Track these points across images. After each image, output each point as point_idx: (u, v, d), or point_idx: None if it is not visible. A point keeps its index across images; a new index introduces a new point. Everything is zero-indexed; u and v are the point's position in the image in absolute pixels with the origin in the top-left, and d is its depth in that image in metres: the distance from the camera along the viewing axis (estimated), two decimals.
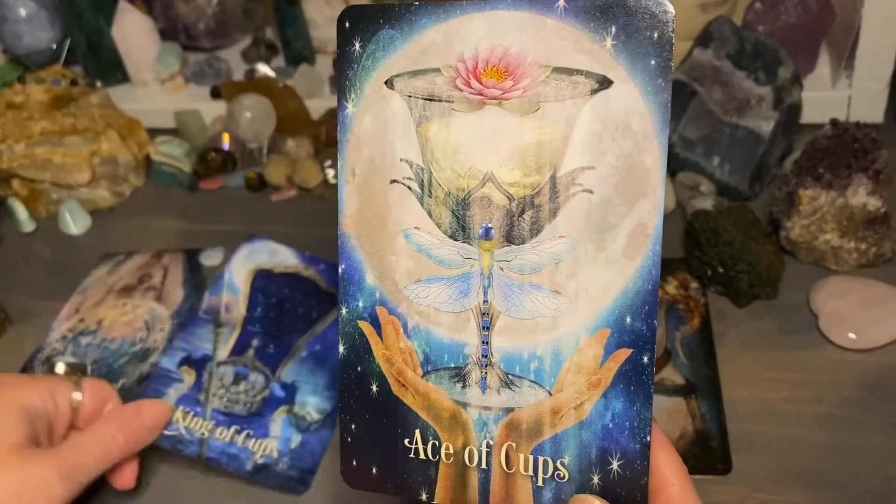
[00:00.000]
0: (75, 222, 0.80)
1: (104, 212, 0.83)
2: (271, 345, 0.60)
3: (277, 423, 0.55)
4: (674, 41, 0.30)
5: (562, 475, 0.34)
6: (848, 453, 0.48)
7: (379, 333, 0.36)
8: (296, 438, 0.55)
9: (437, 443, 0.36)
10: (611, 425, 0.33)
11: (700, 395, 0.53)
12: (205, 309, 0.62)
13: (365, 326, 0.37)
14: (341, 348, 0.37)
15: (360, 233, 0.36)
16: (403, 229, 0.35)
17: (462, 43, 0.33)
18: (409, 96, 0.34)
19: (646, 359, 0.32)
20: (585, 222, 0.32)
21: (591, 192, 0.32)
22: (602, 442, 0.33)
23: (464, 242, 0.34)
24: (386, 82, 0.34)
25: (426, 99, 0.34)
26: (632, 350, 0.33)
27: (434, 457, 0.36)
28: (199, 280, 0.70)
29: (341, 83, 0.35)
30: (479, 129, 0.33)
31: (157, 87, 0.95)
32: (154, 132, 0.88)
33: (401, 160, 0.35)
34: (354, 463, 0.37)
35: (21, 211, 0.80)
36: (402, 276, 0.36)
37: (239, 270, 0.65)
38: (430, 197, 0.35)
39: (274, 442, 0.54)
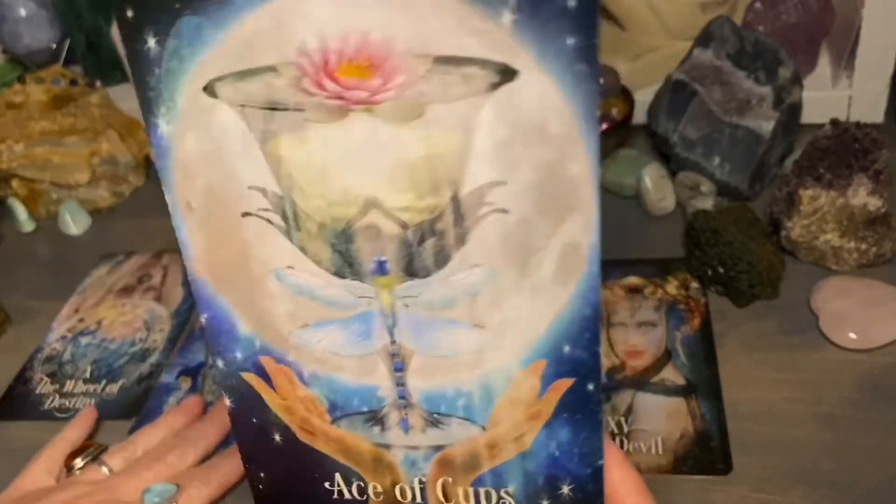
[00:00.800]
0: (75, 222, 0.80)
1: (104, 212, 0.83)
2: None
3: None
4: (598, 12, 0.22)
5: (508, 503, 0.31)
6: (848, 453, 0.48)
7: (269, 384, 0.31)
8: None
9: (362, 484, 0.32)
10: (557, 453, 0.30)
11: (700, 396, 0.53)
12: (199, 327, 0.65)
13: (251, 378, 0.31)
14: (227, 401, 0.32)
15: (217, 277, 0.30)
16: (273, 269, 0.29)
17: (301, 29, 0.24)
18: (242, 106, 0.26)
19: (591, 386, 0.29)
20: (503, 247, 0.27)
21: (505, 211, 0.26)
22: (549, 469, 0.30)
23: (353, 280, 0.28)
24: (204, 88, 0.26)
25: (266, 108, 0.26)
26: (573, 379, 0.29)
27: (361, 496, 0.32)
28: None
29: (143, 94, 0.27)
30: (347, 143, 0.26)
31: None
32: None
33: (249, 188, 0.28)
34: None
35: (21, 211, 0.80)
36: (285, 322, 0.30)
37: None
38: (299, 231, 0.28)
39: None
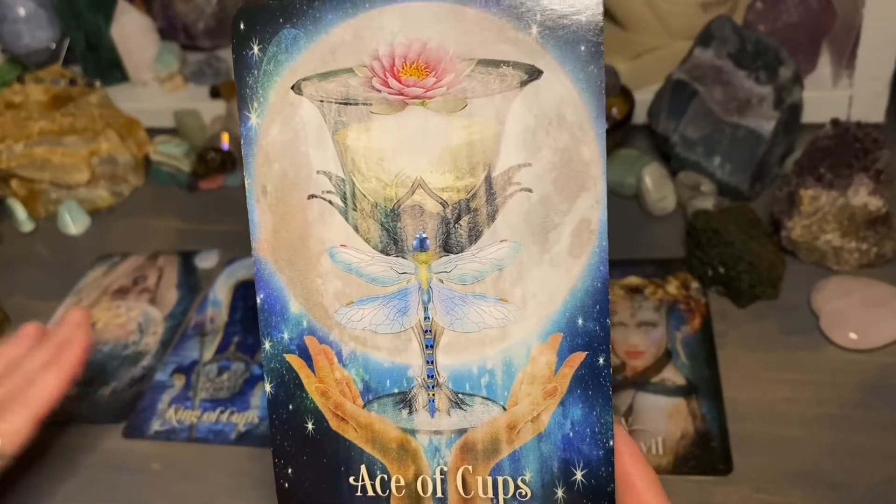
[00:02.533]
0: (74, 222, 0.80)
1: (103, 211, 0.82)
2: (250, 337, 0.65)
3: (257, 395, 0.59)
4: (602, 24, 0.29)
5: (524, 493, 0.32)
6: (849, 453, 0.48)
7: (310, 366, 0.34)
8: None
9: (385, 477, 0.33)
10: (571, 434, 0.32)
11: (701, 396, 0.53)
12: (192, 326, 0.67)
13: (293, 360, 0.34)
14: (268, 387, 0.34)
15: (278, 256, 0.33)
16: (328, 248, 0.32)
17: (375, 39, 0.30)
18: (322, 101, 0.31)
19: (601, 360, 0.31)
20: (526, 223, 0.31)
21: (529, 190, 0.31)
22: (563, 453, 0.32)
23: (397, 256, 0.32)
24: (293, 87, 0.32)
25: (341, 103, 0.31)
26: (586, 353, 0.31)
27: (384, 492, 0.33)
28: (193, 282, 0.71)
29: (241, 92, 0.32)
30: (403, 132, 0.31)
31: (156, 87, 0.95)
32: (153, 132, 0.88)
33: (318, 172, 0.32)
34: None
35: (20, 211, 0.80)
36: (332, 300, 0.33)
37: (221, 287, 0.70)
38: (356, 210, 0.32)
39: (255, 411, 0.58)
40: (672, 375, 0.55)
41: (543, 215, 0.31)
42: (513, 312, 0.32)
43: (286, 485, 0.34)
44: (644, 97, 0.75)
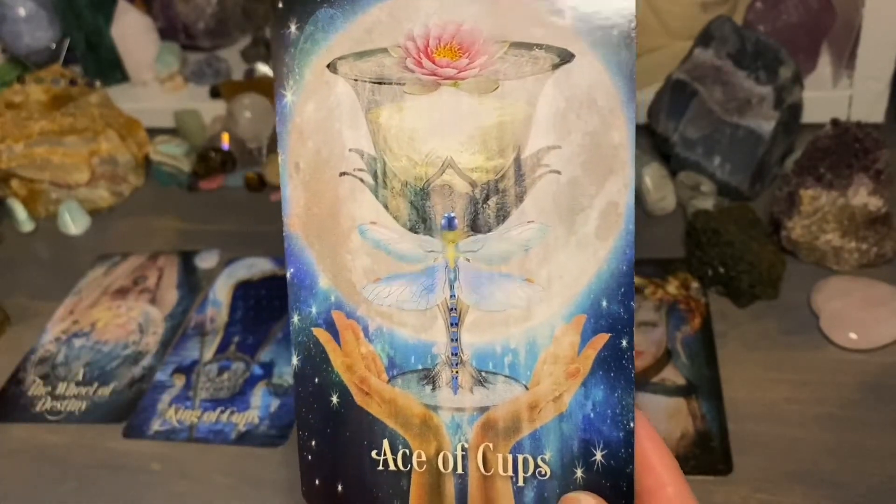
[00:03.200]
0: (74, 222, 0.80)
1: (103, 212, 0.82)
2: (250, 336, 0.65)
3: (258, 395, 0.59)
4: (635, 10, 0.29)
5: (543, 472, 0.33)
6: (849, 453, 0.48)
7: (337, 340, 0.34)
8: (274, 403, 0.59)
9: (407, 451, 0.34)
10: (592, 415, 0.32)
11: (701, 396, 0.53)
12: (192, 326, 0.66)
13: (320, 334, 0.34)
14: (294, 360, 0.35)
15: (309, 232, 0.34)
16: (358, 225, 0.33)
17: (410, 20, 0.31)
18: (356, 80, 0.32)
19: (625, 342, 0.31)
20: (554, 205, 0.31)
21: (558, 172, 0.31)
22: (584, 433, 0.32)
23: (425, 235, 0.32)
24: (328, 66, 0.32)
25: (375, 82, 0.31)
26: (610, 335, 0.31)
27: (405, 467, 0.34)
28: (193, 282, 0.71)
29: (277, 69, 0.33)
30: (435, 111, 0.31)
31: (156, 87, 0.95)
32: (153, 132, 0.88)
33: (350, 150, 0.32)
34: (317, 482, 0.35)
35: (20, 211, 0.80)
36: (360, 276, 0.33)
37: (221, 287, 0.70)
38: (386, 188, 0.32)
39: (255, 411, 0.58)
40: (672, 375, 0.55)
41: (571, 197, 0.31)
42: (538, 293, 0.32)
43: (309, 457, 0.35)
44: (644, 97, 0.75)
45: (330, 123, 0.32)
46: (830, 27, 0.75)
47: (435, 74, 0.31)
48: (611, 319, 0.31)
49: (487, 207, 0.32)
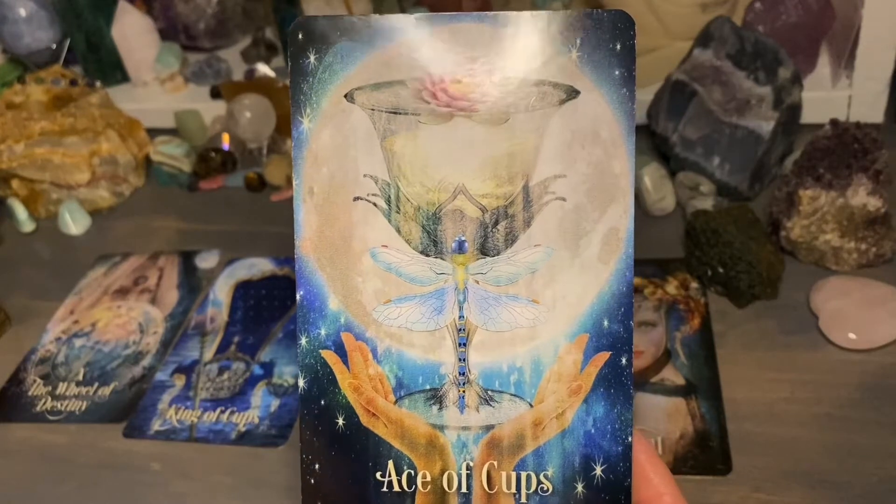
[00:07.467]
0: (75, 222, 0.80)
1: (104, 212, 0.83)
2: (251, 336, 0.65)
3: (258, 395, 0.60)
4: (635, 51, 0.32)
5: (545, 488, 0.34)
6: (848, 453, 0.48)
7: (345, 362, 0.35)
8: (274, 403, 0.59)
9: (412, 472, 0.34)
10: (593, 430, 0.33)
11: (700, 396, 0.53)
12: (193, 326, 0.67)
13: (329, 356, 0.35)
14: (301, 382, 0.35)
15: (320, 255, 0.35)
16: (370, 248, 0.34)
17: (427, 55, 0.33)
18: (372, 109, 0.33)
19: (624, 360, 0.33)
20: (559, 230, 0.33)
21: (564, 199, 0.33)
22: (585, 448, 0.33)
23: (436, 258, 0.34)
24: (345, 95, 0.33)
25: (390, 112, 0.33)
26: (610, 352, 0.33)
27: (409, 487, 0.34)
28: (193, 282, 0.71)
29: (295, 97, 0.34)
30: (449, 141, 0.33)
31: (156, 87, 0.95)
32: (154, 132, 0.88)
33: (364, 176, 0.34)
34: None
35: (21, 211, 0.80)
36: (370, 298, 0.34)
37: (222, 287, 0.70)
38: (399, 213, 0.34)
39: (255, 411, 0.58)
40: (671, 375, 0.55)
41: (576, 223, 0.33)
42: (543, 313, 0.33)
43: (312, 481, 0.35)
44: (643, 97, 0.75)
45: (345, 150, 0.34)
46: (829, 27, 0.76)
47: (449, 106, 0.33)
48: (611, 338, 0.33)
49: (496, 232, 0.33)
